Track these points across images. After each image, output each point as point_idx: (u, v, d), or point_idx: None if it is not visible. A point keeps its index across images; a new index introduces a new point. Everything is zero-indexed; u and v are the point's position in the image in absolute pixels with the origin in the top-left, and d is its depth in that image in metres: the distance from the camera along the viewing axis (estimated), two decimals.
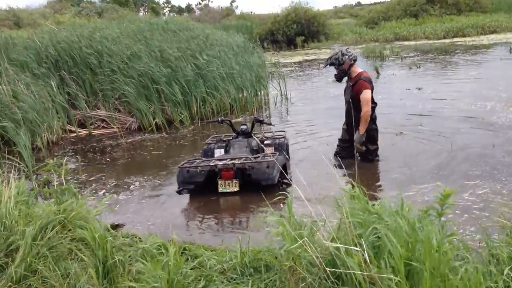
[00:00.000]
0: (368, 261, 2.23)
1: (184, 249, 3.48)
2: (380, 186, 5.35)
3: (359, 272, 2.21)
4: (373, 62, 17.15)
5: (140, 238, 3.81)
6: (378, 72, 14.47)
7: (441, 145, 6.49)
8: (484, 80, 11.66)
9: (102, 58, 10.07)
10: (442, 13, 31.54)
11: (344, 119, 6.20)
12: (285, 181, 5.25)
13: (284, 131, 6.63)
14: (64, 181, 4.14)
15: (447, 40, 24.78)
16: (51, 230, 3.28)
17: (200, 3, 54.62)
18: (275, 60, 16.33)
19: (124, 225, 4.62)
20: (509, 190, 4.74)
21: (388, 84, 12.45)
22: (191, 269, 3.04)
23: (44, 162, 6.71)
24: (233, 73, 10.61)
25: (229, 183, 5.22)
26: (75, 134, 9.41)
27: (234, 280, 2.86)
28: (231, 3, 56.70)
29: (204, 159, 5.61)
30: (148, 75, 9.65)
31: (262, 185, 5.05)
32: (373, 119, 5.90)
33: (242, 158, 5.30)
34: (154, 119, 9.43)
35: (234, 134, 6.16)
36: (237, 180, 5.21)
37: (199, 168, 5.23)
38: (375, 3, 51.13)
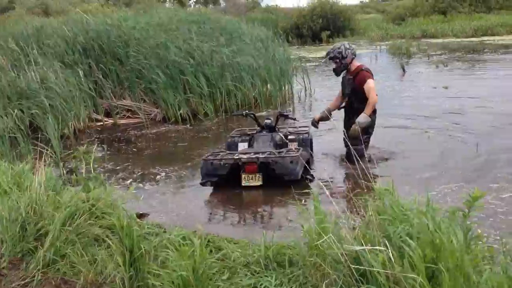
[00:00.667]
0: (393, 260, 2.23)
1: (208, 240, 3.51)
2: (405, 184, 5.28)
3: (383, 271, 2.22)
4: (399, 59, 16.96)
5: (164, 229, 3.87)
6: (404, 70, 14.29)
7: (467, 146, 6.40)
8: None
9: (129, 48, 10.16)
10: (471, 11, 31.02)
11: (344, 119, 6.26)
12: (308, 176, 5.24)
13: (308, 126, 6.63)
14: (92, 169, 4.22)
15: (475, 39, 24.28)
16: (80, 217, 3.37)
17: None
18: (300, 55, 16.25)
19: (149, 215, 4.68)
20: None
21: (414, 83, 12.31)
22: (216, 260, 3.08)
23: (71, 150, 6.90)
24: (258, 66, 10.59)
25: (252, 177, 5.23)
26: (101, 123, 9.56)
27: (258, 273, 2.88)
28: None
29: (228, 152, 5.64)
30: (176, 66, 9.71)
31: (285, 180, 5.05)
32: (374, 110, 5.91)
33: (266, 152, 5.31)
34: (179, 110, 9.51)
35: (258, 128, 6.17)
36: (261, 175, 5.22)
37: (223, 161, 5.26)
38: None
